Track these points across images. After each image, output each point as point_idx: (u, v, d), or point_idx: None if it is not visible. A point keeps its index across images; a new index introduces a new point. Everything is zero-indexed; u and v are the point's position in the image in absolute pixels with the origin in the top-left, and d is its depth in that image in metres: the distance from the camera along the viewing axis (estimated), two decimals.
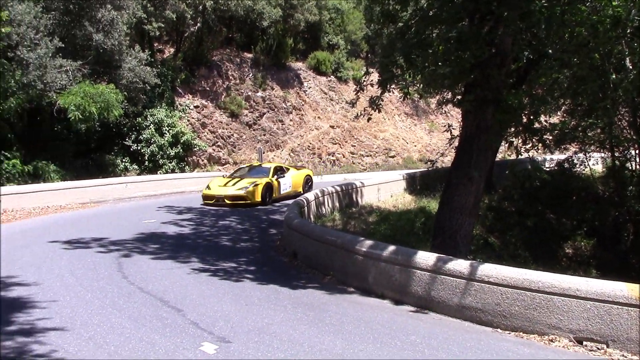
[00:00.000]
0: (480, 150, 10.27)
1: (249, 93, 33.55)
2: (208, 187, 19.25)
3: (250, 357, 5.85)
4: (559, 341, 6.54)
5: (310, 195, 16.03)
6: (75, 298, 7.94)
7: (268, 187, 19.39)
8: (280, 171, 20.81)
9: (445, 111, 41.77)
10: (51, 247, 11.52)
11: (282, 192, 20.23)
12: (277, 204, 19.60)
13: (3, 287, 8.41)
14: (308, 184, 22.07)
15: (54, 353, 5.78)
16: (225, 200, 18.56)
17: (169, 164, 26.97)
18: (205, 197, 18.97)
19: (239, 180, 19.43)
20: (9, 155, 20.74)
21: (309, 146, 34.81)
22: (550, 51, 9.95)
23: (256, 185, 18.93)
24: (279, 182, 20.20)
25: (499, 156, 26.09)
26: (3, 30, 16.28)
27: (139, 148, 26.55)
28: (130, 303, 7.77)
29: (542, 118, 12.85)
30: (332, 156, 35.62)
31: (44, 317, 6.97)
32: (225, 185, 19.14)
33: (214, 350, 6.02)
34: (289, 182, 20.80)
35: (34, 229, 13.86)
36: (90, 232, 13.24)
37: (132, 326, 6.77)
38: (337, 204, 18.30)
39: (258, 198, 18.80)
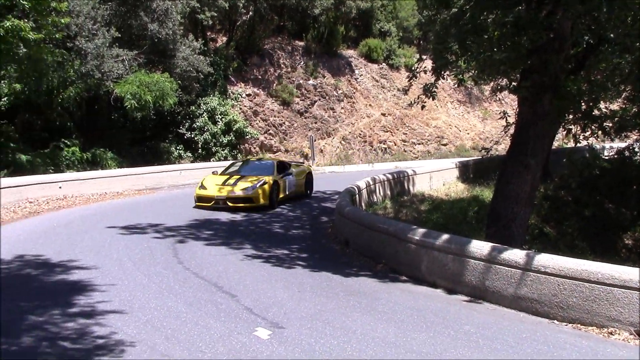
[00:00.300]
0: (537, 138, 10.03)
1: (301, 81, 33.63)
2: (203, 187, 15.99)
3: (304, 343, 5.89)
4: (618, 334, 6.36)
5: (361, 183, 15.98)
6: (132, 282, 8.14)
7: (276, 187, 16.33)
8: (283, 168, 17.70)
9: (499, 98, 40.98)
10: (109, 232, 11.84)
11: (287, 192, 17.23)
12: (286, 205, 16.95)
13: (64, 270, 8.69)
14: (309, 183, 19.09)
15: (114, 335, 5.94)
16: (228, 202, 15.50)
17: (222, 152, 27.32)
18: (201, 199, 15.78)
19: (238, 179, 16.21)
20: (68, 143, 21.39)
21: (360, 134, 34.71)
22: (611, 35, 9.62)
23: (264, 184, 15.80)
24: (284, 181, 17.12)
25: (556, 144, 25.48)
26: (62, 21, 16.72)
27: (192, 136, 26.99)
28: (185, 288, 7.92)
29: (602, 105, 12.47)
30: (384, 144, 35.43)
31: (104, 300, 7.17)
32: (223, 184, 15.95)
33: (267, 335, 6.09)
34: (294, 181, 17.85)
35: (93, 215, 14.26)
36: (146, 218, 13.55)
37: (187, 310, 6.91)
38: (388, 192, 18.21)
39: (266, 200, 15.76)
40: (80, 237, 11.23)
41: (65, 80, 20.22)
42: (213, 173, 17.29)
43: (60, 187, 17.11)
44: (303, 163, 19.76)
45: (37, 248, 10.08)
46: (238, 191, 15.65)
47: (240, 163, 18.57)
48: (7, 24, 13.77)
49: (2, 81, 19.74)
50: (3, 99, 20.09)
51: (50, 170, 19.50)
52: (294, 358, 5.49)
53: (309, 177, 19.04)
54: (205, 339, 5.93)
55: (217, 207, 15.37)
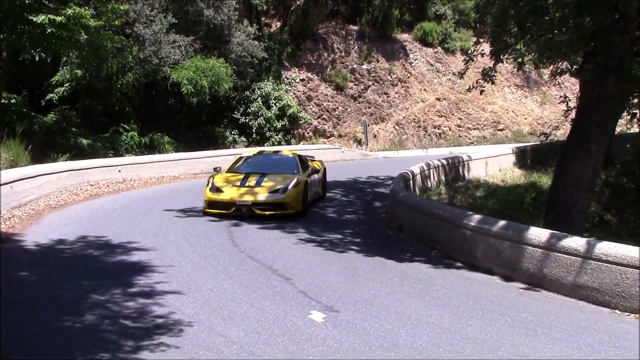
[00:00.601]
0: (599, 122, 9.72)
1: (354, 66, 33.46)
2: (216, 188, 12.33)
3: (358, 327, 5.90)
4: None
5: (415, 169, 15.83)
6: (190, 264, 8.31)
7: (307, 189, 12.86)
8: (304, 164, 14.07)
9: (559, 82, 39.82)
10: (167, 215, 12.10)
11: (311, 194, 13.55)
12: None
13: (125, 251, 8.94)
14: (325, 183, 15.39)
15: (172, 315, 6.08)
16: (254, 209, 11.94)
17: (276, 137, 27.50)
18: (214, 204, 12.19)
19: (260, 177, 12.69)
20: (127, 128, 21.90)
21: (414, 119, 34.37)
22: None
23: (297, 185, 12.33)
24: (311, 182, 13.57)
25: (619, 129, 24.64)
26: (121, 7, 17.07)
27: (246, 121, 27.25)
28: (241, 270, 8.04)
29: None
30: (438, 129, 35.00)
31: (162, 281, 7.34)
32: (242, 184, 12.45)
33: (322, 319, 6.12)
34: (317, 181, 14.39)
35: (151, 198, 14.60)
36: (202, 201, 13.76)
37: (243, 292, 7.01)
38: (442, 178, 18.01)
39: (299, 205, 12.33)
40: (139, 220, 11.52)
41: (124, 66, 20.67)
42: (215, 170, 13.81)
43: (119, 171, 17.56)
44: (314, 157, 15.93)
45: (98, 229, 10.39)
46: (265, 194, 12.09)
47: (250, 156, 14.55)
48: (69, 12, 14.13)
49: (64, 67, 20.35)
50: (65, 85, 20.71)
51: (110, 154, 20.01)
52: (349, 342, 5.51)
53: (324, 174, 15.32)
54: (260, 320, 6.00)
55: (238, 215, 11.92)
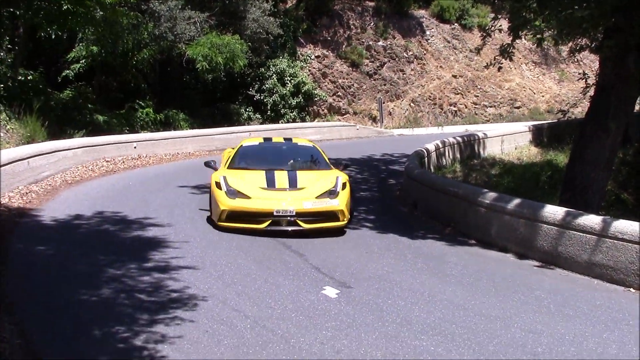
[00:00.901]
0: (619, 100, 9.59)
1: (370, 42, 33.16)
2: (235, 192, 8.90)
3: (371, 303, 5.92)
4: None
5: (430, 146, 15.75)
6: (204, 240, 8.36)
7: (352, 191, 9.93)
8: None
9: (577, 59, 39.19)
10: (182, 191, 12.16)
11: None
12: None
13: (140, 227, 9.01)
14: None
15: (187, 289, 6.14)
16: (299, 221, 8.68)
17: (290, 114, 27.42)
18: (237, 216, 8.77)
19: (289, 173, 9.53)
20: (142, 104, 21.95)
21: (429, 96, 34.11)
22: None
23: (344, 185, 9.31)
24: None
25: (637, 107, 24.30)
26: None
27: (261, 98, 27.17)
28: (254, 246, 8.08)
29: None
30: (454, 107, 34.72)
31: (177, 256, 7.40)
32: (269, 186, 9.12)
33: (335, 294, 6.15)
34: None
35: (166, 174, 14.67)
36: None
37: (257, 268, 7.06)
38: (457, 155, 17.92)
39: (349, 213, 9.35)
40: (154, 196, 11.58)
41: (139, 42, 20.65)
42: (207, 165, 10.55)
43: (135, 147, 17.64)
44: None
45: (114, 205, 10.46)
46: (312, 199, 8.84)
47: (254, 145, 11.00)
48: None
49: (80, 44, 20.38)
50: (81, 62, 20.76)
51: (126, 131, 20.08)
52: (362, 317, 5.54)
53: None
54: (274, 295, 6.05)
55: (275, 232, 8.60)
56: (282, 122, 26.59)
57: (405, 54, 34.36)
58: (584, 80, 12.03)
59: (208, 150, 20.05)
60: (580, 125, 10.61)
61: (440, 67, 35.80)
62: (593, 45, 10.95)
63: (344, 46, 32.04)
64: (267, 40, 26.18)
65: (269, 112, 27.21)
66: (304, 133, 24.46)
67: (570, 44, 13.33)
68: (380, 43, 33.57)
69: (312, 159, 10.52)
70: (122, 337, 4.91)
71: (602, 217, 7.39)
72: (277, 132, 23.71)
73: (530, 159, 18.93)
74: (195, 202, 10.99)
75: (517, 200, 8.39)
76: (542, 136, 22.95)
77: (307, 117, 28.33)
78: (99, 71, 21.91)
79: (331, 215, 8.90)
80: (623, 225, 6.82)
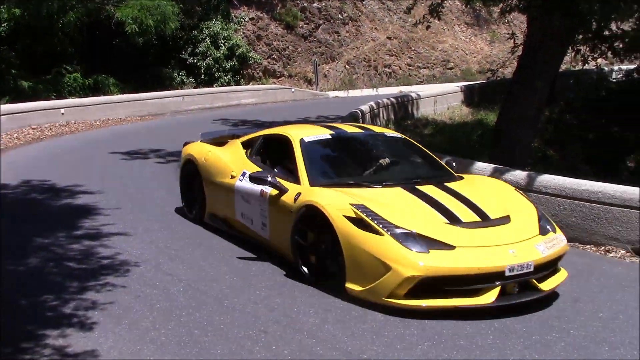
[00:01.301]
0: (545, 60, 9.85)
1: (305, 4, 32.82)
2: (430, 241, 4.73)
3: None
4: (615, 252, 6.43)
5: (365, 108, 15.84)
6: (137, 206, 8.22)
7: None
8: None
9: (508, 20, 39.97)
10: (112, 158, 11.87)
11: None
12: None
13: (70, 195, 8.77)
14: None
15: (119, 255, 6.05)
16: (535, 282, 4.87)
17: (225, 77, 26.99)
18: (434, 285, 4.63)
19: (462, 191, 5.62)
20: (70, 69, 21.19)
21: (364, 58, 34.18)
22: None
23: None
24: None
25: (564, 67, 25.05)
26: None
27: (195, 61, 26.61)
28: None
29: (613, 25, 12.15)
30: (388, 68, 34.94)
31: (108, 223, 7.26)
32: (453, 223, 5.02)
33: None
34: None
35: (96, 141, 14.27)
36: (149, 143, 13.51)
37: (192, 231, 7.00)
38: (392, 116, 18.10)
39: None
40: (84, 163, 11.29)
41: (65, 4, 19.76)
42: (257, 181, 5.96)
43: (62, 114, 17.06)
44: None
45: (42, 173, 10.14)
46: (542, 239, 5.10)
47: (329, 140, 6.44)
48: None
49: (2, 6, 19.35)
50: (3, 25, 19.75)
51: (53, 97, 19.37)
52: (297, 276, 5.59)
53: None
54: (208, 259, 6.03)
55: (496, 309, 4.63)
56: (216, 86, 26.18)
57: (340, 16, 34.22)
58: (512, 40, 12.31)
59: (140, 116, 19.59)
60: (509, 84, 10.87)
61: (375, 29, 35.87)
62: (521, 5, 11.16)
63: (278, 8, 31.62)
64: (200, 1, 25.55)
65: (202, 76, 26.70)
66: (239, 97, 24.22)
67: (501, 5, 13.57)
68: (315, 5, 33.28)
69: (424, 160, 6.73)
70: (51, 306, 4.80)
71: (527, 171, 7.65)
72: (212, 96, 23.43)
73: (462, 118, 19.31)
74: (127, 169, 10.76)
75: (448, 158, 8.57)
76: (473, 96, 23.40)
77: (242, 80, 27.96)
78: (22, 35, 20.90)
79: (556, 261, 5.24)
80: (546, 179, 7.11)
